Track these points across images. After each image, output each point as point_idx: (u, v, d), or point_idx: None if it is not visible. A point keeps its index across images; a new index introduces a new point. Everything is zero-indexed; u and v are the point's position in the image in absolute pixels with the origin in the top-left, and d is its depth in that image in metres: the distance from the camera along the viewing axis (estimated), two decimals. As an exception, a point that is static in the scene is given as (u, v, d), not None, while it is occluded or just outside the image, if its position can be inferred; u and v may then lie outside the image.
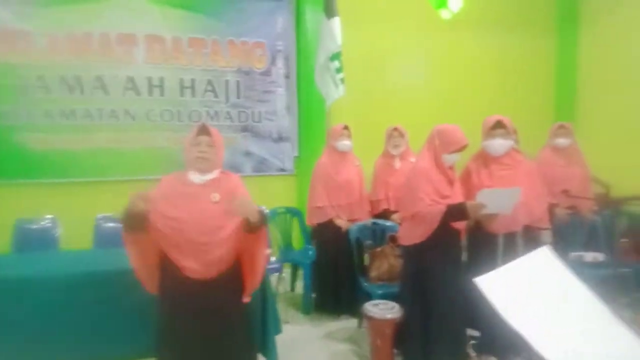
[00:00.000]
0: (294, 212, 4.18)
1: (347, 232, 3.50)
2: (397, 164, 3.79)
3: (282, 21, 4.73)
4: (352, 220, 3.62)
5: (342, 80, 4.25)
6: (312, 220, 3.73)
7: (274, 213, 4.03)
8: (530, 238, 2.82)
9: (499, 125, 2.78)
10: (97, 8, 4.13)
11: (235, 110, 4.58)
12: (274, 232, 3.99)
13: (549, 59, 5.48)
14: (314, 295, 3.75)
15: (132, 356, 2.45)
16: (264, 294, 2.57)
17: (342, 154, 3.68)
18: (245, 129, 4.63)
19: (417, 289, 2.76)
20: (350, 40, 4.40)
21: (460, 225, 2.80)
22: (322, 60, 4.28)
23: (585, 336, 1.01)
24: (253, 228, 2.04)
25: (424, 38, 5.06)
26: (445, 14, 4.10)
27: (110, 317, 2.42)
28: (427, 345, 2.73)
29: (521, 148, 3.78)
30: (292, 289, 4.17)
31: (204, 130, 2.14)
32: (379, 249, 3.40)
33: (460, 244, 2.89)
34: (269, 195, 4.50)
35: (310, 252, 3.87)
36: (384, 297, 3.00)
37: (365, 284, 3.31)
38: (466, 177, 2.93)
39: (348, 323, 3.55)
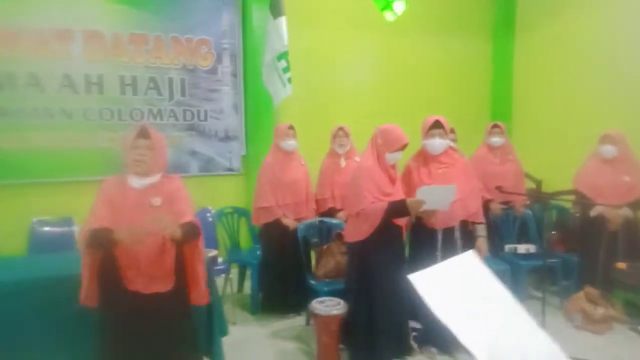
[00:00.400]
0: (241, 212, 4.15)
1: (294, 231, 3.53)
2: (343, 163, 3.86)
3: (228, 19, 4.67)
4: (298, 219, 3.64)
5: (290, 79, 4.27)
6: (258, 221, 3.71)
7: (221, 213, 3.99)
8: (466, 232, 2.98)
9: (437, 125, 2.90)
10: (32, 1, 3.90)
11: (180, 109, 4.48)
12: (221, 233, 3.95)
13: (487, 62, 5.76)
14: (261, 295, 3.75)
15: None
16: (210, 297, 2.54)
17: (288, 154, 3.69)
18: (190, 128, 4.54)
19: (361, 284, 2.84)
20: (297, 40, 4.42)
21: (402, 221, 2.91)
22: (269, 60, 4.29)
23: (503, 330, 1.10)
24: (182, 241, 2.01)
25: (369, 39, 5.17)
26: (389, 17, 4.21)
27: (48, 327, 2.31)
28: (372, 338, 2.81)
29: (460, 146, 3.97)
30: (240, 289, 4.14)
31: (142, 133, 2.07)
32: (325, 247, 3.45)
33: (403, 239, 3.01)
34: (216, 195, 4.45)
35: (258, 252, 3.87)
36: (331, 293, 3.05)
37: (312, 281, 3.35)
38: (407, 175, 3.05)
39: (296, 321, 3.57)
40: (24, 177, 3.91)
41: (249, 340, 3.27)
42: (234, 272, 4.05)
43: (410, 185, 2.95)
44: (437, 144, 2.90)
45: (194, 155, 4.56)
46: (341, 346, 2.91)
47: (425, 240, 2.92)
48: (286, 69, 4.26)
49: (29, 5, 3.89)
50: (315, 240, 3.57)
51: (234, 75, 4.72)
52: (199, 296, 2.19)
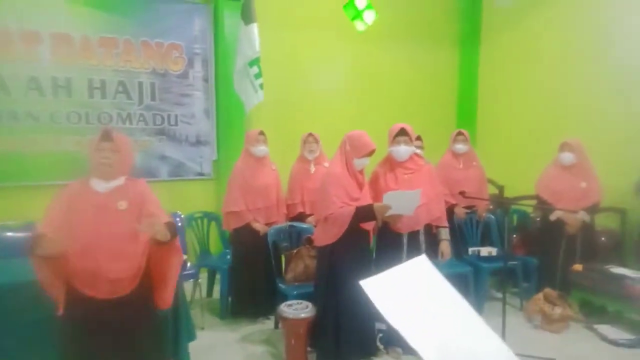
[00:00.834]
0: (211, 217, 4.15)
1: (264, 236, 3.55)
2: (312, 168, 3.90)
3: (199, 24, 4.68)
4: (269, 224, 3.66)
5: (261, 85, 4.31)
6: (229, 225, 3.72)
7: (191, 218, 3.98)
8: (431, 236, 3.07)
9: (402, 132, 2.99)
10: (-3, 2, 3.84)
11: (149, 113, 4.46)
12: (190, 238, 3.93)
13: (453, 71, 5.94)
14: (231, 299, 3.74)
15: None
16: (176, 302, 2.54)
17: (259, 159, 3.71)
18: (160, 133, 4.51)
19: (330, 287, 2.89)
20: (269, 47, 4.47)
21: (370, 226, 2.98)
22: (241, 66, 4.31)
23: (452, 332, 1.15)
24: (162, 242, 2.00)
25: (340, 48, 5.26)
26: (360, 26, 4.31)
27: (8, 334, 2.27)
28: (339, 340, 2.86)
29: (427, 153, 4.09)
30: (210, 294, 4.12)
31: (107, 136, 2.06)
32: (295, 251, 3.48)
33: (370, 243, 3.08)
34: (186, 200, 4.43)
35: (228, 257, 3.87)
36: (300, 297, 3.09)
37: (281, 285, 3.38)
38: (374, 181, 3.12)
39: (265, 325, 3.59)
40: (-14, 181, 3.82)
41: (217, 345, 3.26)
42: (204, 276, 4.03)
43: (377, 191, 3.03)
44: (403, 150, 2.98)
45: (164, 160, 4.54)
46: (309, 349, 2.95)
47: (391, 244, 2.99)
48: (258, 75, 4.30)
49: (-6, 6, 3.82)
50: (285, 244, 3.60)
51: (206, 80, 4.73)
52: (164, 300, 2.17)
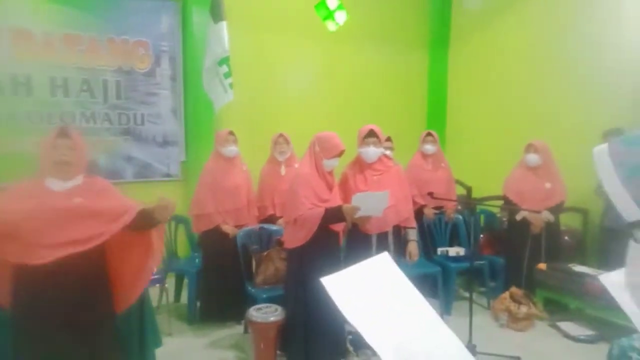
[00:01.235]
0: (179, 220, 4.05)
1: (234, 238, 3.50)
2: (283, 170, 3.87)
3: (167, 21, 4.58)
4: (239, 226, 3.61)
5: (231, 85, 4.25)
6: (198, 228, 3.65)
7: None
8: (399, 237, 3.09)
9: (371, 134, 3.00)
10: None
11: (114, 112, 4.33)
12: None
13: (423, 73, 6.02)
14: (199, 304, 3.68)
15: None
16: (141, 307, 2.47)
17: (229, 160, 3.65)
18: (126, 132, 4.39)
19: (299, 289, 2.87)
20: (239, 45, 4.42)
21: (339, 227, 2.97)
22: (210, 64, 4.24)
23: (410, 330, 1.16)
24: (148, 225, 1.96)
25: (312, 48, 5.24)
26: (331, 27, 4.30)
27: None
28: (309, 343, 2.84)
29: (398, 154, 4.12)
30: (178, 299, 4.03)
31: (64, 133, 2.00)
32: (265, 253, 3.45)
33: (340, 244, 3.07)
34: (153, 202, 4.32)
35: (197, 260, 3.80)
36: (270, 300, 3.06)
37: (251, 288, 3.34)
38: (344, 182, 3.12)
39: (234, 330, 3.53)
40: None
41: (184, 351, 3.19)
42: (171, 281, 3.94)
43: (346, 192, 3.03)
44: (372, 152, 2.99)
45: (130, 161, 4.42)
46: (279, 352, 2.92)
47: (360, 245, 2.99)
48: (227, 74, 4.24)
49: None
50: (255, 247, 3.56)
51: (173, 78, 4.63)
52: (126, 300, 2.11)
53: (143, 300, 2.47)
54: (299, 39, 5.15)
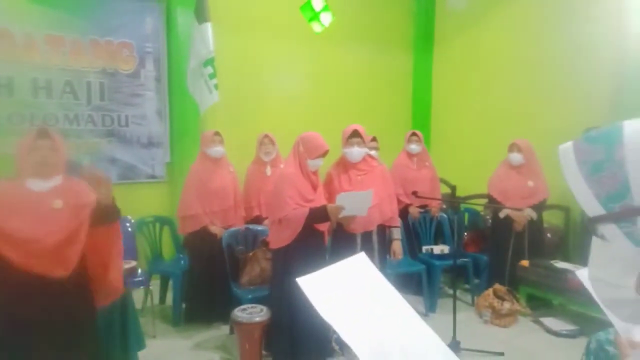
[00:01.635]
0: (164, 221, 4.04)
1: (220, 240, 3.49)
2: (269, 171, 3.88)
3: (151, 22, 4.55)
4: (227, 227, 3.60)
5: (216, 86, 4.24)
6: (185, 229, 3.64)
7: (142, 223, 3.86)
8: (384, 236, 3.12)
9: (355, 134, 3.02)
10: None
11: (98, 114, 4.29)
12: (141, 243, 3.81)
13: (408, 73, 6.06)
14: (185, 305, 3.66)
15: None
16: (124, 309, 2.47)
17: (215, 160, 3.65)
18: (110, 134, 4.35)
19: (284, 289, 2.87)
20: (224, 46, 4.41)
21: (324, 227, 2.98)
22: (195, 65, 4.23)
23: (387, 328, 1.17)
24: (103, 218, 1.96)
25: (297, 48, 5.25)
26: (316, 28, 4.31)
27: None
28: (294, 343, 2.85)
29: (383, 153, 4.15)
30: (163, 301, 4.00)
31: (44, 134, 2.01)
32: (251, 254, 3.45)
33: (325, 244, 3.09)
34: (137, 203, 4.28)
35: (182, 262, 3.78)
36: (255, 300, 3.06)
37: (236, 289, 3.34)
38: (329, 182, 3.14)
39: (220, 331, 3.52)
40: None
41: (169, 353, 3.18)
42: (156, 283, 3.92)
43: (331, 192, 3.05)
44: (356, 152, 3.01)
45: (114, 162, 4.37)
46: (265, 352, 2.93)
47: (345, 244, 3.01)
48: (212, 75, 4.23)
49: None
50: (240, 247, 3.56)
51: (158, 80, 4.60)
52: (105, 295, 2.11)
53: (125, 302, 2.46)
54: (284, 40, 5.15)
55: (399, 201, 3.88)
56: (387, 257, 3.21)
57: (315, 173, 2.94)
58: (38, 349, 1.88)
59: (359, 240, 3.01)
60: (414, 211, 4.11)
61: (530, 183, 3.90)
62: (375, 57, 5.75)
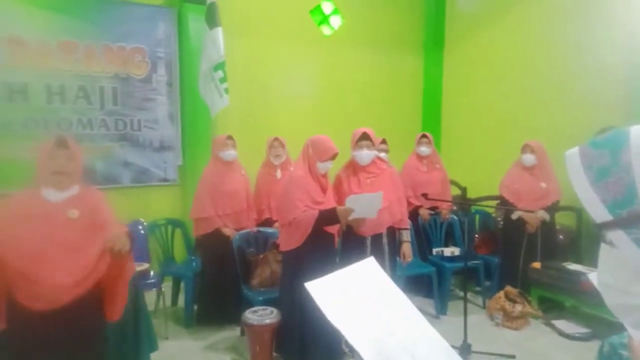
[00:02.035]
0: (176, 224, 4.08)
1: (231, 241, 3.52)
2: (279, 174, 3.89)
3: (163, 27, 4.61)
4: (238, 229, 3.63)
5: (227, 90, 4.27)
6: (198, 231, 3.67)
7: (154, 225, 3.90)
8: (393, 238, 3.12)
9: (364, 137, 3.03)
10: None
11: (111, 118, 4.36)
12: (153, 246, 3.86)
13: (418, 76, 6.05)
14: (197, 307, 3.70)
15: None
16: (136, 312, 2.50)
17: (228, 164, 3.69)
18: (123, 138, 4.42)
19: (294, 291, 2.88)
20: (234, 51, 4.45)
21: (334, 229, 2.99)
22: (206, 70, 4.27)
23: (394, 332, 1.18)
24: (121, 254, 1.92)
25: (307, 52, 5.27)
26: (326, 31, 4.33)
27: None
28: (305, 345, 2.86)
29: (393, 155, 4.15)
30: (175, 303, 4.04)
31: (63, 143, 1.99)
32: (261, 256, 3.48)
33: (334, 246, 3.10)
34: (150, 206, 4.36)
35: (194, 264, 3.82)
36: (266, 302, 3.08)
37: (247, 291, 3.36)
38: (338, 185, 3.15)
39: (231, 333, 3.54)
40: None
41: (180, 355, 3.21)
42: (168, 285, 3.96)
43: (340, 194, 3.06)
44: (365, 155, 3.02)
45: (127, 166, 4.44)
46: (275, 354, 2.95)
47: (355, 246, 3.02)
48: (223, 80, 4.26)
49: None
50: (251, 249, 3.59)
51: (170, 84, 4.66)
52: (114, 311, 2.09)
53: (137, 305, 2.49)
54: (294, 44, 5.18)
55: (409, 203, 3.87)
56: (397, 259, 3.21)
57: (324, 176, 2.96)
58: (46, 352, 1.89)
59: (368, 242, 3.02)
60: (424, 213, 4.10)
61: (543, 184, 3.87)
62: (385, 59, 5.75)
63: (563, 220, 4.27)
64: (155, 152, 4.58)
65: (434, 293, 3.81)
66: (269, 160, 3.95)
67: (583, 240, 4.29)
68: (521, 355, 3.10)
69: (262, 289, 3.34)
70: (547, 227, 3.87)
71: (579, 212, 4.32)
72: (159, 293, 3.59)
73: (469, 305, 3.18)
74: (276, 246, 3.43)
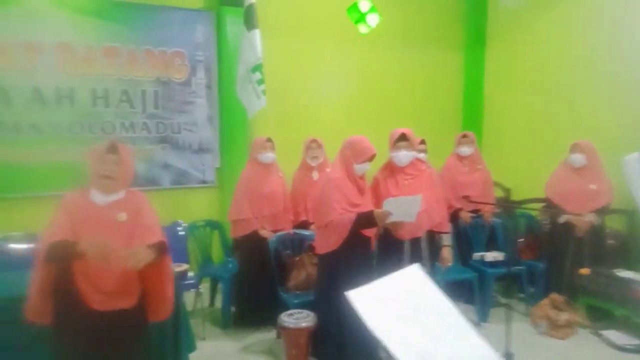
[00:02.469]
0: (214, 225, 4.13)
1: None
2: (316, 175, 3.87)
3: (202, 31, 4.69)
4: (276, 231, 3.63)
5: (264, 91, 4.29)
6: (236, 232, 3.70)
7: (193, 227, 3.96)
8: (433, 242, 3.03)
9: (403, 137, 2.95)
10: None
11: (152, 122, 4.47)
12: (192, 247, 3.92)
13: (459, 74, 5.88)
14: (234, 309, 3.73)
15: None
16: (176, 312, 2.53)
17: (266, 166, 3.69)
18: (163, 141, 4.53)
19: (331, 295, 2.85)
20: (271, 52, 4.46)
21: (371, 232, 2.94)
22: (243, 72, 4.31)
23: (439, 343, 1.13)
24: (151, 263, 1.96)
25: (343, 52, 5.22)
26: (363, 29, 4.29)
27: (9, 348, 2.26)
28: (342, 350, 2.83)
29: (432, 156, 4.05)
30: (212, 304, 4.09)
31: (113, 148, 2.04)
32: (297, 259, 3.47)
33: (371, 250, 3.04)
34: (189, 208, 4.44)
35: (231, 265, 3.85)
36: (301, 305, 3.06)
37: (283, 293, 3.36)
38: (375, 187, 3.09)
39: (267, 335, 3.55)
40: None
41: (217, 356, 3.24)
42: (206, 286, 4.02)
43: (378, 196, 2.99)
44: (403, 156, 2.95)
45: (167, 168, 4.54)
46: (312, 358, 2.92)
47: (393, 250, 2.95)
48: (260, 81, 4.28)
49: (-4, 18, 3.86)
50: (287, 252, 3.59)
51: (209, 87, 4.73)
52: (159, 313, 2.16)
53: (177, 306, 2.53)
54: (331, 43, 5.15)
55: (450, 206, 3.76)
56: (436, 264, 3.12)
57: (362, 177, 2.91)
58: (94, 348, 1.95)
59: (406, 246, 2.94)
60: (465, 216, 3.97)
61: (593, 186, 3.68)
62: (423, 57, 5.62)
63: (613, 223, 4.04)
64: (194, 155, 4.67)
65: (475, 299, 3.68)
66: (306, 161, 3.93)
67: (635, 246, 4.04)
68: (568, 367, 2.96)
69: (297, 292, 3.33)
70: (596, 231, 3.68)
71: (630, 216, 4.08)
72: (197, 294, 3.65)
73: (512, 313, 3.04)
74: (312, 249, 3.41)
